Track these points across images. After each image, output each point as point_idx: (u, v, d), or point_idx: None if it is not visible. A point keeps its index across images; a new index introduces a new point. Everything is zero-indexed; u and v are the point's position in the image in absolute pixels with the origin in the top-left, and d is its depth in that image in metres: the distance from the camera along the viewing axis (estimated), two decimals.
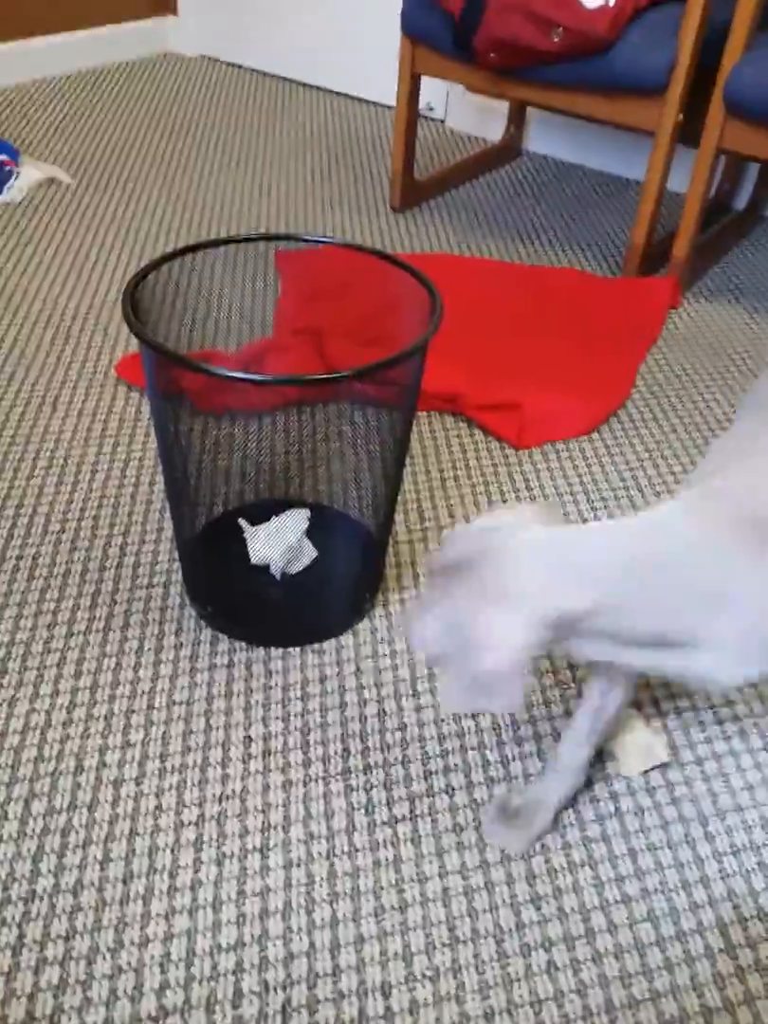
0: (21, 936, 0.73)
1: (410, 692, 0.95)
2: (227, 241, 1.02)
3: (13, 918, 0.74)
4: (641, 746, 0.89)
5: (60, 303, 1.52)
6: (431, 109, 2.41)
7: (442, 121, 2.43)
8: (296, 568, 1.06)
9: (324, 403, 1.24)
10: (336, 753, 0.89)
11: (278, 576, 1.05)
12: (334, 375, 0.80)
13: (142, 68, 2.56)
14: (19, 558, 1.06)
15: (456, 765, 0.88)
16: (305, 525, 1.08)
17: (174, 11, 2.67)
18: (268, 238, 1.04)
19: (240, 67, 2.65)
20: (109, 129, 2.17)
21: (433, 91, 2.36)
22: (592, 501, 1.22)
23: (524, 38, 1.57)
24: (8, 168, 1.84)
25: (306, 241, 1.05)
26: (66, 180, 1.90)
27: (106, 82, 2.44)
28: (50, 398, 1.32)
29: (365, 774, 0.87)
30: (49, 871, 0.77)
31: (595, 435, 1.34)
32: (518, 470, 1.26)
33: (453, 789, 0.86)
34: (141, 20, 2.61)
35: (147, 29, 2.63)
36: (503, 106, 2.27)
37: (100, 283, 1.59)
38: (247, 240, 1.03)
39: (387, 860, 0.80)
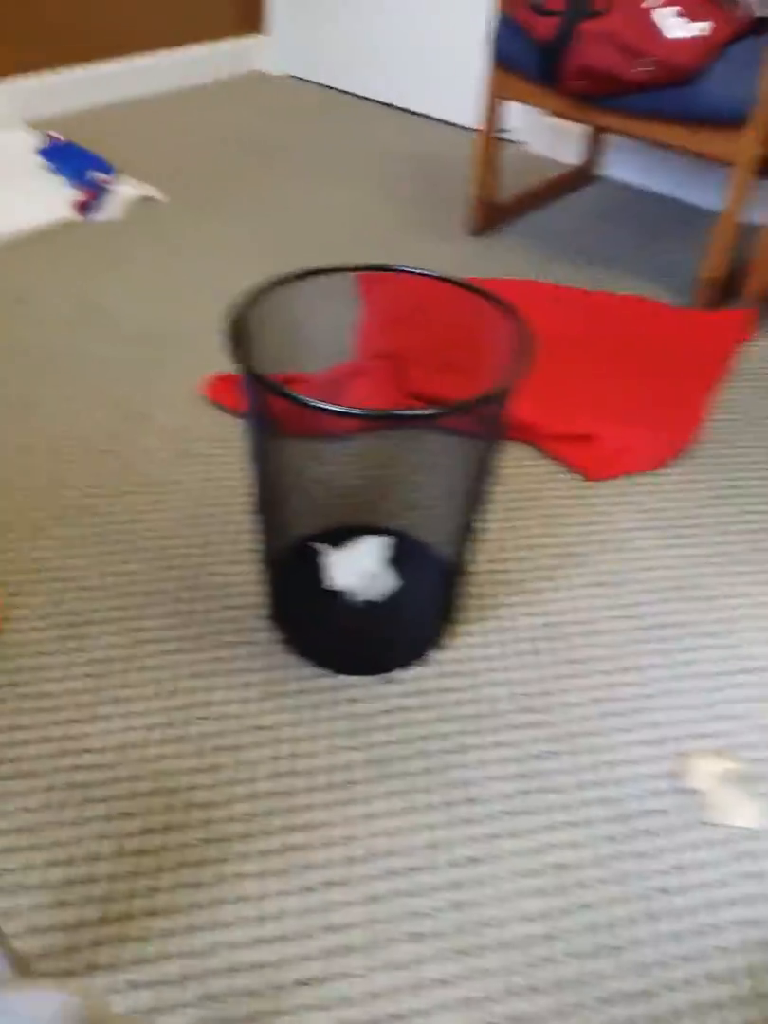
0: (116, 960, 0.72)
1: (487, 727, 0.92)
2: (326, 271, 1.00)
3: (110, 938, 0.74)
4: None
5: (151, 321, 1.52)
6: (509, 132, 2.36)
7: (519, 144, 2.37)
8: (375, 595, 1.03)
9: (410, 431, 1.21)
10: (417, 787, 0.86)
11: (356, 603, 1.03)
12: (436, 411, 0.77)
13: (231, 87, 2.55)
14: (114, 575, 1.06)
15: (530, 808, 0.86)
16: (385, 552, 1.05)
17: (264, 31, 2.64)
18: (363, 269, 1.02)
19: (325, 87, 2.62)
20: (199, 148, 2.16)
21: (512, 114, 2.31)
22: (665, 536, 1.17)
23: (611, 67, 1.52)
24: (106, 186, 1.84)
25: (398, 271, 1.02)
26: (160, 198, 1.90)
27: (196, 101, 2.43)
28: (139, 415, 1.31)
29: (444, 810, 0.85)
30: (143, 891, 0.77)
31: (667, 470, 1.30)
32: (590, 502, 1.22)
33: (525, 832, 0.84)
34: (231, 39, 2.60)
35: (236, 48, 2.61)
36: (580, 130, 2.21)
37: (189, 301, 1.58)
38: (343, 270, 1.01)
39: (464, 902, 0.78)
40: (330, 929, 0.75)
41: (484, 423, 0.87)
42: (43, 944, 0.73)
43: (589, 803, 0.86)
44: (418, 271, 1.00)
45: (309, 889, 0.78)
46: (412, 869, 0.80)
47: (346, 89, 2.59)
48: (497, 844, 0.82)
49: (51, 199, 1.83)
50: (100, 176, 1.85)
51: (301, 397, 0.77)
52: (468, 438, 0.90)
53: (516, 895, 0.79)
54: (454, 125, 2.45)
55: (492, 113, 1.77)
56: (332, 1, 2.48)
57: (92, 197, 1.81)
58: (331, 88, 2.62)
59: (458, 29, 2.32)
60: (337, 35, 2.52)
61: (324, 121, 2.39)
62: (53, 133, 2.01)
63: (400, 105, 2.52)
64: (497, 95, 1.75)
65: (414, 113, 2.50)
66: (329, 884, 0.78)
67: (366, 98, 2.57)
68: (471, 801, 0.86)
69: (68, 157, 1.92)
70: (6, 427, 1.26)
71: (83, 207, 1.79)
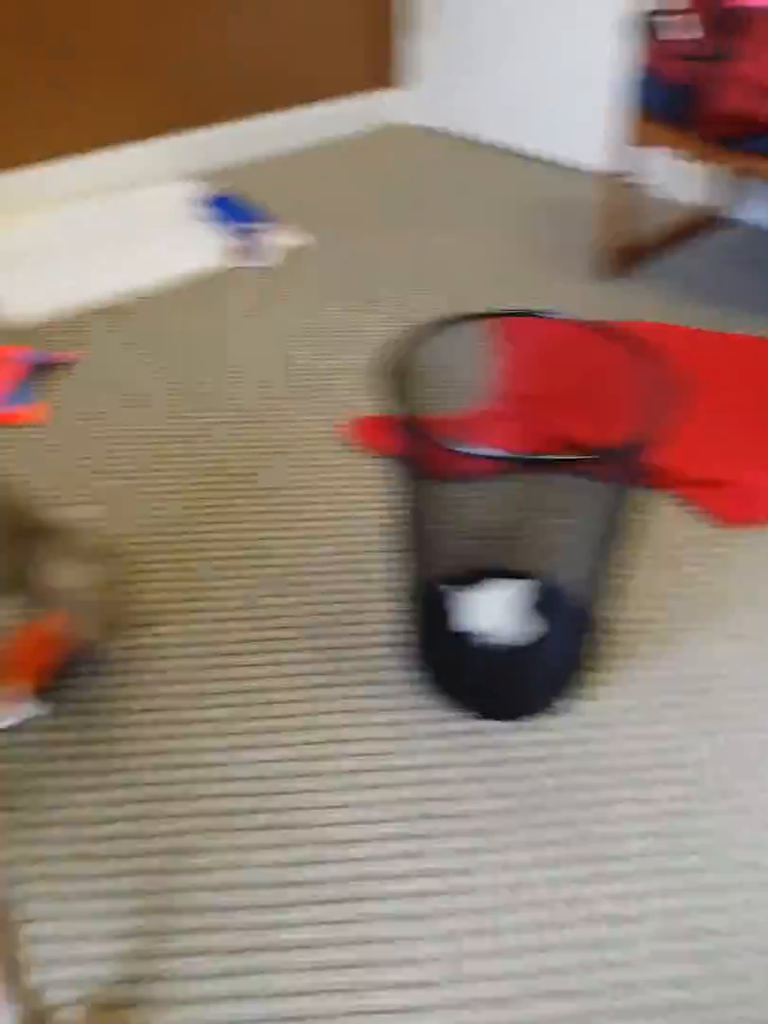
0: (266, 987, 0.73)
1: (625, 781, 0.89)
2: (475, 316, 1.02)
3: (243, 967, 0.74)
4: None
5: (299, 362, 1.57)
6: (638, 174, 2.32)
7: (648, 186, 2.33)
8: (511, 640, 1.02)
9: (550, 475, 1.20)
10: (553, 840, 0.84)
11: (494, 647, 1.02)
12: (586, 457, 0.76)
13: (369, 139, 2.62)
14: (253, 610, 1.09)
15: (672, 868, 0.82)
16: (521, 596, 1.04)
17: (398, 85, 2.71)
18: (508, 315, 1.02)
19: (457, 137, 2.66)
20: (342, 198, 2.23)
21: (641, 156, 2.28)
22: None
23: (751, 110, 1.48)
24: (259, 235, 1.92)
25: (542, 316, 1.02)
26: (308, 246, 1.96)
27: (337, 153, 2.51)
28: (282, 454, 1.35)
29: (581, 865, 0.82)
30: (279, 925, 0.77)
31: None
32: (728, 550, 1.17)
33: (671, 892, 0.80)
34: (367, 93, 2.68)
35: (373, 102, 2.69)
36: (709, 172, 2.15)
37: (336, 343, 1.62)
38: (489, 316, 1.02)
39: (604, 963, 0.75)
40: (465, 978, 0.74)
41: (625, 469, 0.85)
42: (182, 968, 0.74)
43: (738, 866, 0.81)
44: (559, 317, 0.99)
45: (443, 936, 0.77)
46: (548, 924, 0.78)
47: (476, 138, 2.62)
48: (637, 903, 0.79)
49: (208, 248, 1.92)
50: (254, 225, 1.93)
51: (457, 442, 0.77)
52: (608, 483, 0.88)
53: (657, 958, 0.75)
54: (583, 169, 2.43)
55: (625, 157, 1.75)
56: (462, 53, 2.53)
57: (246, 245, 1.89)
58: (463, 138, 2.65)
59: (585, 75, 2.31)
60: (469, 85, 2.56)
61: (457, 170, 2.42)
62: (209, 185, 2.12)
63: (529, 152, 2.53)
64: (633, 140, 1.73)
65: (543, 159, 2.50)
66: (463, 932, 0.77)
67: (496, 146, 2.59)
68: (609, 858, 0.83)
69: (225, 206, 2.02)
70: (156, 464, 1.32)
71: (238, 255, 1.88)
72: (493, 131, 2.57)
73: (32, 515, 0.91)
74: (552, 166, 2.45)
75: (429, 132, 2.69)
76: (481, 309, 1.72)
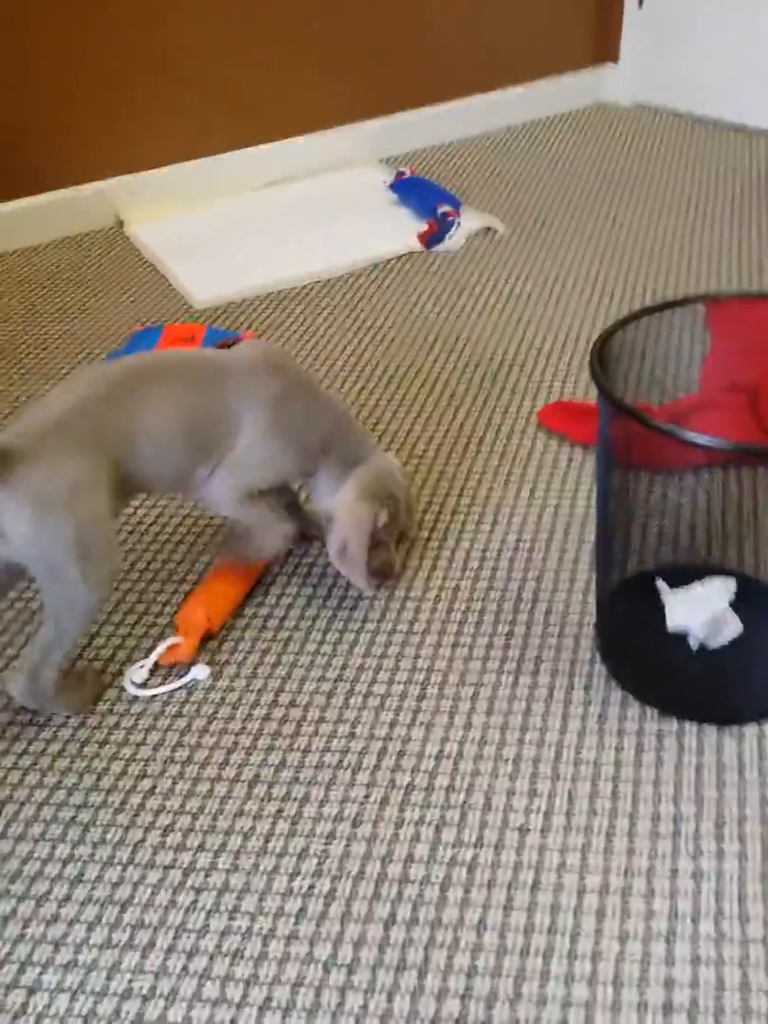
0: (426, 959, 0.76)
1: None
2: (683, 302, 1.01)
3: (420, 939, 0.78)
4: None
5: (490, 348, 1.60)
6: None
7: None
8: (717, 641, 1.00)
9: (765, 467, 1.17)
10: (754, 853, 0.82)
11: (696, 646, 1.00)
12: None
13: (576, 119, 2.63)
14: (441, 589, 1.12)
15: None
16: (730, 596, 1.02)
17: (615, 59, 2.71)
18: (726, 297, 1.01)
19: (676, 113, 2.62)
20: (542, 180, 2.26)
21: None
22: None
23: None
24: (451, 219, 1.97)
25: (757, 297, 1.00)
26: (501, 230, 2.00)
27: (541, 134, 2.54)
28: (476, 438, 1.38)
29: None
30: (456, 902, 0.80)
31: None
32: None
33: None
34: (580, 70, 2.69)
35: (583, 80, 2.70)
36: None
37: (529, 329, 1.65)
38: (706, 298, 1.01)
39: None
40: (649, 982, 0.74)
41: None
42: (358, 934, 0.78)
43: None
44: None
45: (628, 936, 0.77)
46: (747, 940, 0.76)
47: (700, 113, 2.57)
48: None
49: (399, 231, 2.00)
50: (446, 208, 1.99)
51: (669, 426, 0.78)
52: None
53: None
54: None
55: None
56: (684, 23, 2.48)
57: (437, 229, 1.95)
58: (684, 114, 2.61)
59: None
60: (690, 57, 2.52)
61: (674, 148, 2.39)
62: (402, 168, 2.20)
63: (760, 126, 2.45)
64: None
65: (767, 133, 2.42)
66: (651, 937, 0.77)
67: (720, 120, 2.53)
68: None
69: (416, 191, 2.10)
70: None
71: (428, 238, 1.94)
72: (721, 107, 2.52)
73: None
74: None
75: (648, 110, 2.66)
76: (698, 292, 1.70)
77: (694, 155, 2.34)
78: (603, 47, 2.69)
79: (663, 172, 2.26)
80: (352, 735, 0.95)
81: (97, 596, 0.91)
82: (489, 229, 2.01)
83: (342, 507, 1.05)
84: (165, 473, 0.98)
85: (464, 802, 0.88)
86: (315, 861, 0.84)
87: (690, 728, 0.94)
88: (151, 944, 0.78)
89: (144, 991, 0.75)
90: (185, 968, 0.77)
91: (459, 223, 1.97)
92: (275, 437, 1.00)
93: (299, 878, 0.83)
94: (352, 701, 0.99)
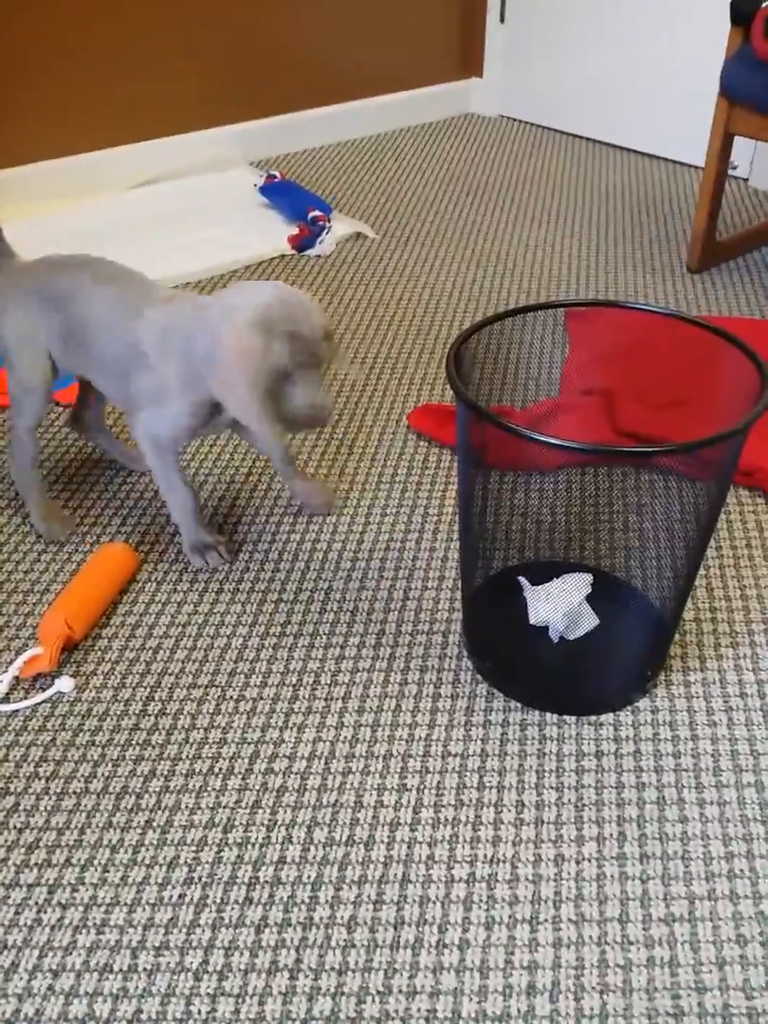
0: (298, 960, 0.76)
1: (693, 784, 0.90)
2: (540, 307, 1.04)
3: (292, 941, 0.77)
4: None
5: (361, 351, 1.61)
6: (735, 167, 2.34)
7: (746, 180, 2.34)
8: (575, 634, 1.04)
9: (622, 469, 1.22)
10: (611, 835, 0.86)
11: (556, 639, 1.04)
12: (660, 449, 0.78)
13: (444, 128, 2.68)
14: (313, 591, 1.12)
15: (742, 871, 0.82)
16: (587, 590, 1.06)
17: (479, 73, 2.77)
18: (582, 304, 1.04)
19: (538, 126, 2.70)
20: (410, 187, 2.29)
21: (739, 149, 2.29)
22: None
23: None
24: (321, 223, 1.98)
25: (622, 306, 1.04)
26: (371, 235, 2.02)
27: (409, 142, 2.57)
28: (347, 441, 1.39)
29: (641, 863, 0.83)
30: (326, 901, 0.80)
31: None
32: None
33: (738, 897, 0.81)
34: (446, 83, 2.74)
35: (450, 91, 2.75)
36: None
37: (398, 333, 1.66)
38: (563, 305, 1.04)
39: (662, 960, 0.76)
40: (515, 967, 0.76)
41: (709, 465, 0.87)
42: (229, 940, 0.78)
43: None
44: (642, 307, 1.02)
45: (494, 922, 0.79)
46: (607, 919, 0.79)
47: (559, 128, 2.66)
48: (703, 905, 0.80)
49: (269, 234, 1.99)
50: (316, 213, 1.99)
51: (521, 429, 0.80)
52: (689, 480, 0.90)
53: (722, 962, 0.76)
54: (670, 160, 2.46)
55: (719, 148, 1.77)
56: (545, 41, 2.57)
57: (307, 233, 1.95)
58: (544, 127, 2.70)
59: (675, 63, 2.33)
60: (551, 74, 2.60)
61: (536, 159, 2.46)
62: (273, 172, 2.19)
63: (614, 142, 2.56)
64: (726, 130, 1.75)
65: (628, 149, 2.53)
66: (516, 921, 0.79)
67: (579, 136, 2.63)
68: (673, 856, 0.84)
69: (286, 194, 2.09)
70: (218, 446, 1.37)
71: (299, 242, 1.94)
72: (579, 122, 2.61)
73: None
74: (640, 157, 2.48)
75: (512, 122, 2.73)
76: (559, 299, 1.75)
77: (554, 167, 2.42)
78: (468, 61, 2.75)
79: (525, 183, 2.33)
80: (223, 740, 0.94)
81: None
82: (359, 234, 2.02)
83: (224, 338, 0.95)
84: None
85: (335, 801, 0.88)
86: (185, 869, 0.82)
87: (551, 719, 0.97)
88: (15, 965, 0.75)
89: (6, 1015, 0.72)
90: (51, 987, 0.74)
91: (329, 228, 1.97)
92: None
93: (169, 887, 0.81)
94: (224, 707, 0.97)
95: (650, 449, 0.79)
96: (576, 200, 2.23)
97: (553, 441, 0.79)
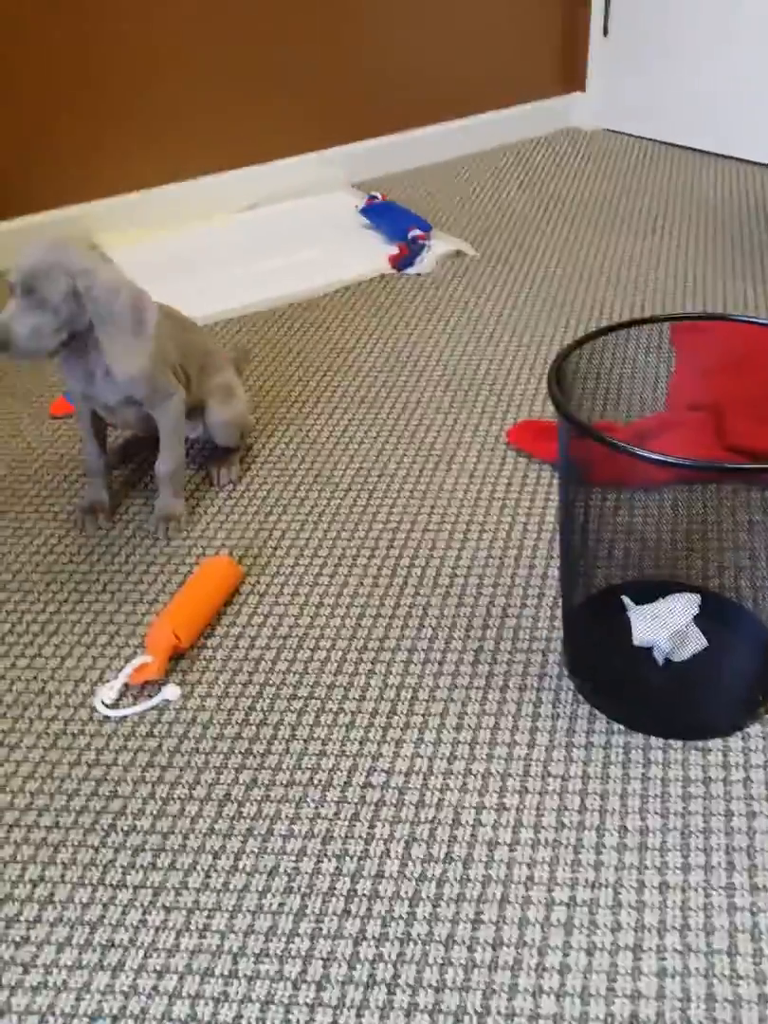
0: (396, 976, 0.76)
1: None
2: (644, 321, 1.03)
3: (390, 956, 0.78)
4: None
5: (460, 369, 1.62)
6: None
7: None
8: (682, 655, 1.02)
9: (731, 486, 1.19)
10: (719, 864, 0.83)
11: (661, 661, 1.02)
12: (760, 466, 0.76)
13: (545, 144, 2.68)
14: (411, 607, 1.13)
15: None
16: (694, 611, 1.03)
17: (582, 87, 2.76)
18: (688, 317, 1.03)
19: (642, 139, 2.67)
20: (511, 204, 2.29)
21: None
22: None
23: None
24: (421, 242, 2.00)
25: (729, 319, 1.02)
26: (471, 253, 2.03)
27: (510, 159, 2.58)
28: (446, 458, 1.40)
29: (752, 895, 0.80)
30: (424, 918, 0.80)
31: None
32: None
33: None
34: (548, 98, 2.73)
35: (551, 106, 2.74)
36: None
37: (498, 350, 1.67)
38: (670, 319, 1.03)
39: (764, 998, 0.73)
40: (617, 995, 0.74)
41: None
42: (328, 951, 0.78)
43: None
44: (749, 319, 0.99)
45: (595, 948, 0.77)
46: (712, 951, 0.77)
47: (664, 139, 2.63)
48: None
49: (370, 254, 2.02)
50: (416, 232, 2.02)
51: (628, 446, 0.79)
52: None
53: None
54: None
55: None
56: (648, 53, 2.54)
57: (407, 252, 1.98)
58: (648, 140, 2.66)
59: None
60: (654, 85, 2.57)
61: (640, 172, 2.43)
62: (374, 193, 2.23)
63: (721, 152, 2.51)
64: None
65: (737, 159, 2.48)
66: (619, 948, 0.77)
67: (685, 147, 2.59)
68: None
69: (386, 215, 2.12)
70: (318, 463, 1.40)
71: (399, 261, 1.96)
72: (684, 133, 2.57)
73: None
74: (750, 166, 2.42)
75: (614, 135, 2.71)
76: (665, 313, 1.73)
77: (657, 180, 2.39)
78: (570, 75, 2.75)
79: (628, 196, 2.30)
80: (323, 753, 0.95)
81: None
82: (459, 252, 2.03)
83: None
84: None
85: (433, 818, 0.89)
86: (285, 878, 0.84)
87: (656, 743, 0.95)
88: (121, 964, 0.78)
89: (114, 1012, 0.75)
90: (155, 988, 0.76)
91: (429, 247, 2.00)
92: None
93: (269, 896, 0.82)
94: (323, 719, 0.99)
95: (761, 466, 0.77)
96: (681, 211, 2.19)
97: (659, 457, 0.78)
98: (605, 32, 2.63)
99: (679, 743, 0.94)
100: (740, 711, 0.96)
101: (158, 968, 0.77)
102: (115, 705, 1.01)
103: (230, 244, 2.11)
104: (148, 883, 0.84)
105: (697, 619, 1.03)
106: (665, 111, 2.58)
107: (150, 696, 1.02)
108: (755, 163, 2.45)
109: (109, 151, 2.10)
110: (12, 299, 1.07)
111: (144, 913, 0.82)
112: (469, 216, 2.23)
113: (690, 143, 2.57)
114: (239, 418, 1.33)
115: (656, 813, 0.88)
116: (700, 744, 0.94)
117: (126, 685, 1.03)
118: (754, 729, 0.95)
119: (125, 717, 1.00)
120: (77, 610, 1.14)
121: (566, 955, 0.77)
